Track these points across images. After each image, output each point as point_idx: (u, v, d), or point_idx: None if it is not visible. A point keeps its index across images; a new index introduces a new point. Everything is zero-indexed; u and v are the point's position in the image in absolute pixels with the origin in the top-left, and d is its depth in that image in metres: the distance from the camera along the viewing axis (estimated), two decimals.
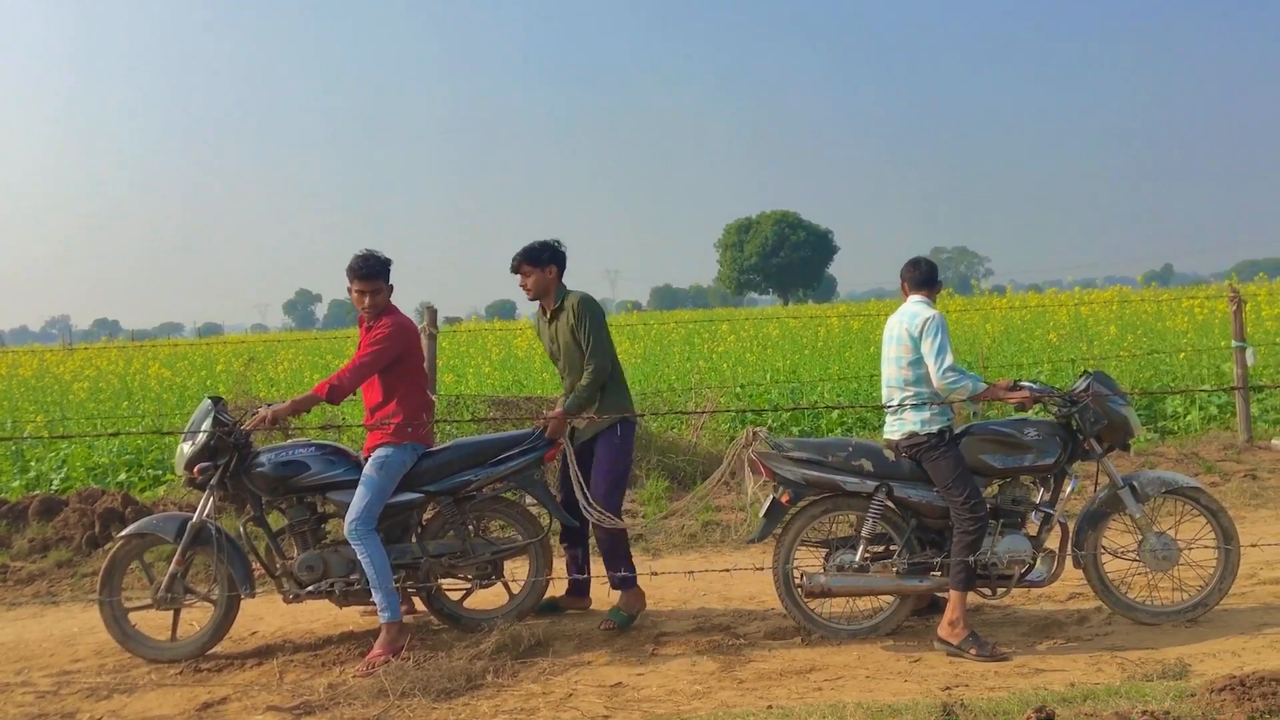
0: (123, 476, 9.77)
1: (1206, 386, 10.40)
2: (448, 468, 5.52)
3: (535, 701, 4.65)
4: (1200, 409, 10.92)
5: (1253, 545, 5.53)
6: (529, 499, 6.02)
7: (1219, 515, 5.39)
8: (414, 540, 5.56)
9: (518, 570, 5.88)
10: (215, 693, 4.94)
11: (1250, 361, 9.70)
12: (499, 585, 5.74)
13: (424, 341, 8.40)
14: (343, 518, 5.35)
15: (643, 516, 8.21)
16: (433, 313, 8.46)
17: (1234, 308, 9.80)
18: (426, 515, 5.69)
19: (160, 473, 9.90)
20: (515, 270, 5.73)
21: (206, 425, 5.35)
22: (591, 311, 5.62)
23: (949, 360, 5.19)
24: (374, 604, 5.29)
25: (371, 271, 5.42)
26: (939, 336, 5.22)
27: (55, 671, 5.32)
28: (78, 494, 8.37)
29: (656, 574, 5.77)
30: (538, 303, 5.86)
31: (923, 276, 5.53)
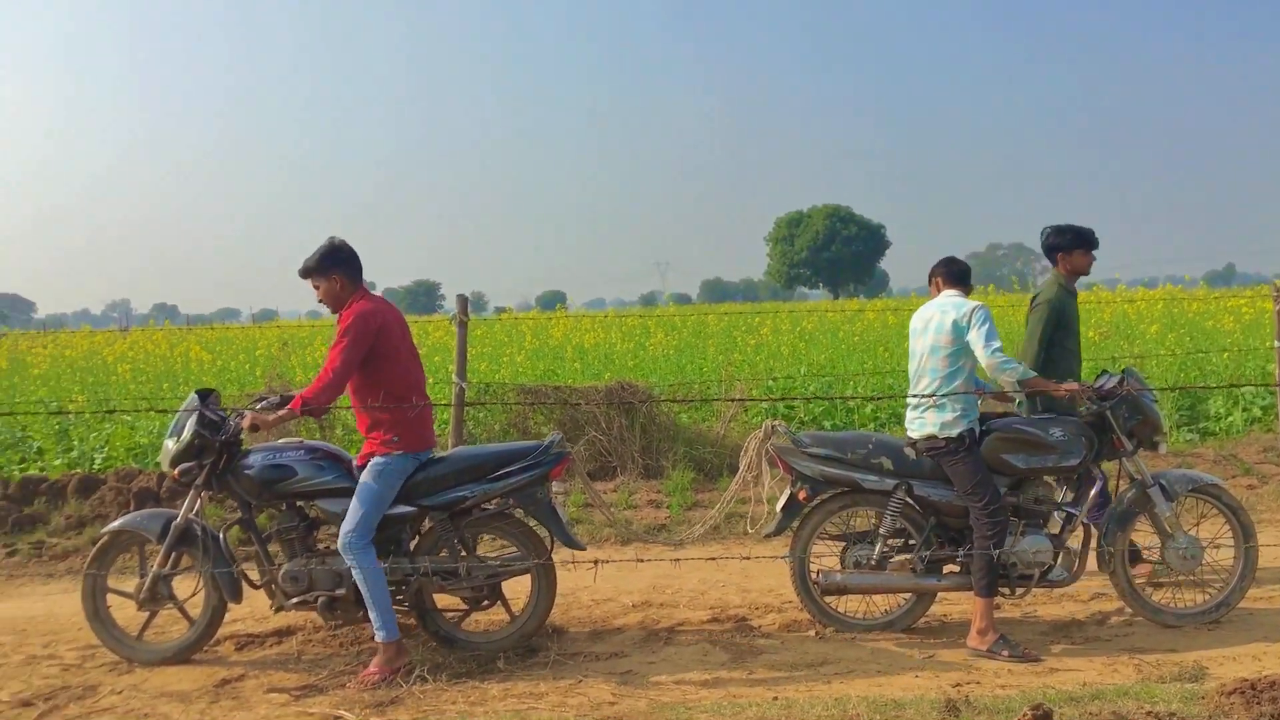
0: None
1: (1246, 383, 10.19)
2: (442, 481, 5.10)
3: (544, 686, 4.68)
4: (1244, 410, 10.71)
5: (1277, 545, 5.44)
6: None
7: (1239, 513, 5.31)
8: (405, 556, 5.12)
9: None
10: (233, 670, 5.03)
11: None
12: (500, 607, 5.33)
13: (455, 329, 8.50)
14: (333, 525, 5.07)
15: (667, 508, 8.22)
16: (463, 301, 8.51)
17: (1278, 306, 9.57)
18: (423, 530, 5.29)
19: None
20: None
21: (191, 423, 5.02)
22: None
23: (998, 344, 5.12)
24: (367, 620, 4.95)
25: (306, 269, 5.08)
26: (987, 324, 5.16)
27: (81, 645, 5.43)
28: (115, 473, 8.56)
29: (679, 560, 5.77)
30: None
31: (960, 271, 5.51)
